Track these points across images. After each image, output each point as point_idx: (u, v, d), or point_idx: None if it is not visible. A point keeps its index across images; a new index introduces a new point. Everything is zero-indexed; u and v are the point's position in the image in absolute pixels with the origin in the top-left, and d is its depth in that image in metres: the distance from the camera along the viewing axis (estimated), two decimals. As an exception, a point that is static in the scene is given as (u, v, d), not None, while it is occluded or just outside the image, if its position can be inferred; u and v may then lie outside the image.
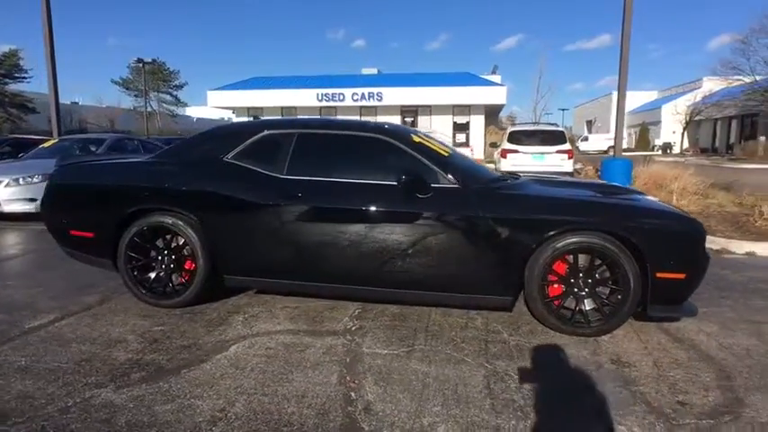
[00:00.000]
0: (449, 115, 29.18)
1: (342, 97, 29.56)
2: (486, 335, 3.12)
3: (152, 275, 3.55)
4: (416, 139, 3.45)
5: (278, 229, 3.30)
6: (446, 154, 3.46)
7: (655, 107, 39.52)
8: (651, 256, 2.95)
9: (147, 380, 2.49)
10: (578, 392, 2.42)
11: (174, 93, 51.37)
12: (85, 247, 3.65)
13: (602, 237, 3.00)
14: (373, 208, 3.20)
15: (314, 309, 3.54)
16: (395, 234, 3.19)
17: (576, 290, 3.13)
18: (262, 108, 31.58)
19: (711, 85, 30.90)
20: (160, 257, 3.55)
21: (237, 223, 3.37)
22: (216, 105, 32.64)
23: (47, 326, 3.20)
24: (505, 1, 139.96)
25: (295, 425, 2.10)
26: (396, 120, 29.93)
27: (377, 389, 2.41)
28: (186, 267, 3.53)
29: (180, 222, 3.40)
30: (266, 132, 3.52)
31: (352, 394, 2.36)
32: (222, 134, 3.76)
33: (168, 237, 3.50)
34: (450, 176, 3.21)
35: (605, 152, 32.61)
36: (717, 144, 33.40)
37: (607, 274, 3.09)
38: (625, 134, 47.95)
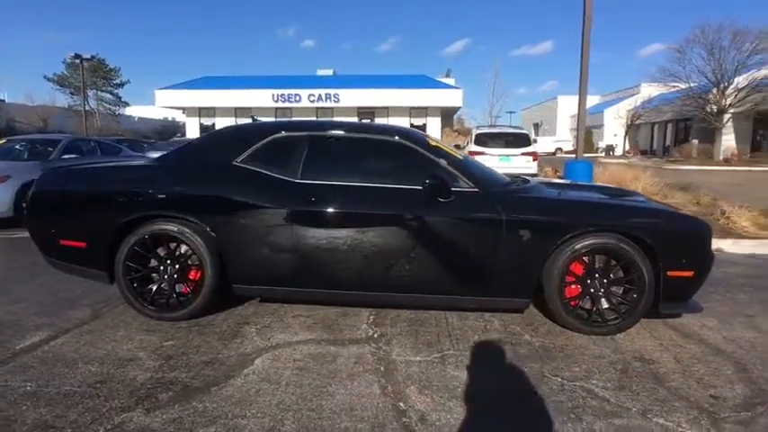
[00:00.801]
0: (406, 117, 29.43)
1: (298, 98, 29.19)
2: (509, 337, 3.14)
3: (154, 287, 3.32)
4: (432, 142, 3.43)
5: (293, 236, 3.18)
6: (461, 158, 3.46)
7: (598, 111, 41.56)
8: (663, 255, 3.08)
9: (176, 400, 2.32)
10: (619, 391, 2.47)
11: (115, 91, 48.74)
12: (76, 257, 3.37)
13: (618, 238, 3.10)
14: (393, 212, 3.15)
15: (326, 317, 3.44)
16: (415, 239, 3.15)
17: (592, 290, 3.21)
18: (214, 108, 30.63)
19: (650, 90, 32.87)
20: (162, 267, 3.33)
21: (249, 230, 3.21)
22: (165, 105, 31.32)
23: (41, 345, 2.92)
24: (453, 6, 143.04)
25: (355, 440, 2.03)
26: (352, 121, 29.92)
27: (424, 398, 2.37)
28: (190, 277, 3.33)
29: (186, 230, 3.21)
30: (277, 135, 3.38)
31: (401, 404, 2.31)
32: (230, 137, 3.58)
33: (172, 245, 3.29)
34: (468, 180, 3.22)
35: (553, 154, 33.95)
36: (655, 146, 35.60)
37: (621, 274, 3.19)
38: (570, 136, 50.20)
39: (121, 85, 49.17)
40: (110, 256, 3.29)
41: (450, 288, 3.23)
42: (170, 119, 46.70)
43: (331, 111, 29.87)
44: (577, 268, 3.19)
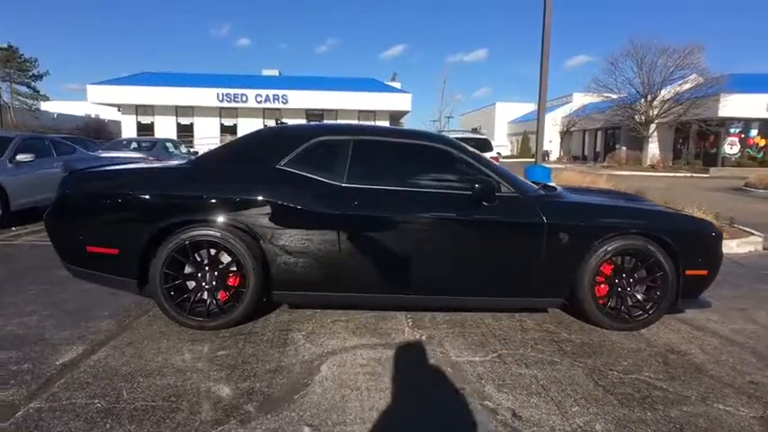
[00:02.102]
0: (354, 120, 29.46)
1: (245, 98, 28.45)
2: (549, 335, 3.31)
3: (193, 295, 3.18)
4: (470, 149, 3.54)
5: (339, 240, 3.17)
6: (497, 164, 3.60)
7: (534, 118, 43.79)
8: (683, 255, 3.38)
9: (266, 410, 2.26)
10: (671, 381, 2.70)
11: (32, 84, 44.70)
12: (106, 265, 3.15)
13: (645, 240, 3.36)
14: (440, 217, 3.24)
15: (366, 321, 3.45)
16: (461, 242, 3.26)
17: (619, 289, 3.45)
18: (153, 106, 29.13)
19: (582, 99, 35.14)
20: (200, 275, 3.20)
21: (294, 234, 3.17)
22: (98, 101, 29.39)
23: (82, 360, 2.72)
24: (390, 10, 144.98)
25: (466, 439, 2.08)
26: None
27: (506, 396, 2.46)
28: (229, 284, 3.23)
29: (230, 235, 3.10)
30: (320, 138, 3.35)
31: (488, 403, 2.39)
32: (271, 139, 3.49)
33: (213, 251, 3.17)
34: (509, 185, 3.36)
35: (495, 159, 35.29)
36: (586, 152, 38.05)
37: (645, 274, 3.46)
38: (507, 142, 52.27)
39: (39, 77, 45.24)
40: (142, 264, 3.12)
41: (492, 289, 3.36)
42: (93, 116, 43.28)
43: (278, 112, 29.29)
44: (607, 269, 3.42)
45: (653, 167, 25.61)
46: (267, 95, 28.31)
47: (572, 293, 3.40)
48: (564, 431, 2.17)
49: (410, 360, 2.85)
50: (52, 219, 3.19)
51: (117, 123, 34.52)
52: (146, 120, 29.81)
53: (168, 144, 13.37)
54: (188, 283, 3.20)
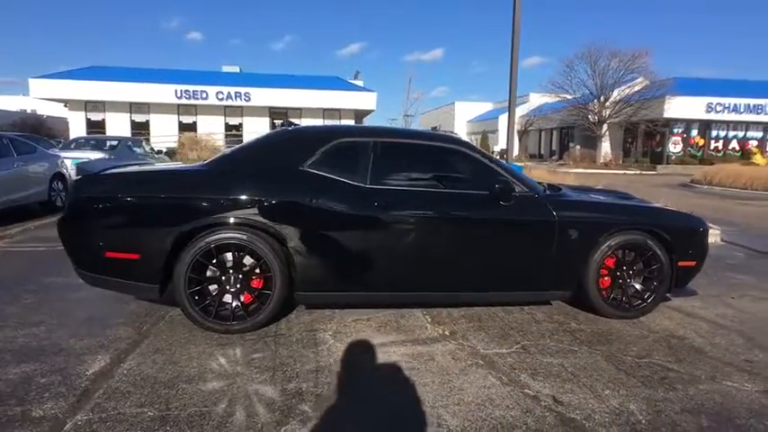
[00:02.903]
0: (319, 119, 29.26)
1: (205, 95, 27.62)
2: (561, 326, 3.51)
3: (217, 299, 3.16)
4: (483, 150, 3.69)
5: (363, 241, 3.25)
6: (508, 164, 3.77)
7: (493, 117, 44.92)
8: (677, 248, 3.66)
9: (322, 409, 2.31)
10: (680, 363, 2.93)
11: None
12: (126, 271, 3.08)
13: (644, 234, 3.62)
14: (461, 216, 3.37)
15: (385, 320, 3.53)
16: (480, 240, 3.40)
17: (620, 280, 3.70)
18: (104, 102, 27.79)
19: (538, 99, 36.36)
20: (225, 278, 3.18)
21: (319, 236, 3.22)
22: (42, 96, 27.68)
23: (113, 368, 2.66)
24: (347, 9, 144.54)
25: (520, 426, 2.21)
26: (265, 122, 29.05)
27: (542, 384, 2.62)
28: (254, 286, 3.23)
29: (256, 237, 3.11)
30: (342, 140, 3.40)
31: (528, 391, 2.54)
32: (292, 141, 3.50)
33: (238, 254, 3.16)
34: (521, 185, 3.53)
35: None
36: (542, 151, 39.44)
37: (642, 266, 3.72)
38: (467, 140, 53.31)
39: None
40: (164, 269, 3.08)
41: (510, 284, 3.53)
42: (30, 111, 40.42)
43: (240, 110, 28.73)
44: (610, 262, 3.66)
45: (606, 165, 26.91)
46: (229, 93, 27.59)
47: (579, 286, 3.61)
48: (604, 412, 2.34)
49: (441, 355, 2.96)
50: (67, 224, 3.09)
51: (59, 120, 32.65)
52: (96, 116, 28.39)
53: (131, 143, 12.85)
54: (212, 286, 3.18)
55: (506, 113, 39.11)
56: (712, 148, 28.77)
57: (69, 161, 9.69)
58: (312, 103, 28.15)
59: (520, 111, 40.69)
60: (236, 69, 33.24)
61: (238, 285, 3.19)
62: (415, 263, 3.33)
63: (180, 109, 28.47)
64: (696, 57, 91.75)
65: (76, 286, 4.03)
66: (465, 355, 2.98)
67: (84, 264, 3.13)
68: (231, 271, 3.18)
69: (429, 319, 3.56)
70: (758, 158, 26.68)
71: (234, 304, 3.18)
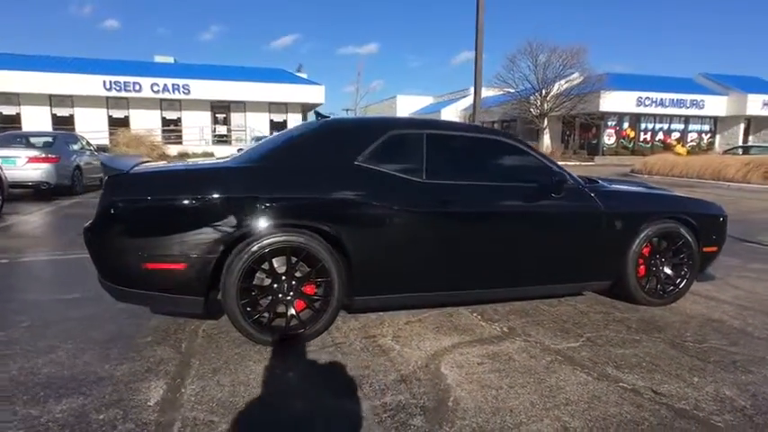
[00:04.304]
0: (265, 113, 28.36)
1: (138, 87, 25.84)
2: (608, 316, 3.54)
3: (271, 309, 2.88)
4: (528, 143, 3.63)
5: (423, 238, 3.10)
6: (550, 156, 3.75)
7: (434, 110, 45.61)
8: (703, 235, 3.81)
9: (436, 421, 2.15)
10: (734, 345, 3.03)
11: None
12: (168, 284, 2.72)
13: (677, 223, 3.73)
14: (518, 210, 3.31)
15: (436, 320, 3.39)
16: (537, 234, 3.36)
17: (654, 268, 3.79)
18: (18, 94, 25.20)
19: (484, 93, 37.31)
20: (277, 285, 2.90)
21: (379, 235, 3.02)
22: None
23: (177, 397, 2.32)
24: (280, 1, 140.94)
25: (642, 422, 2.17)
26: (206, 116, 27.63)
27: (631, 375, 2.60)
28: (309, 293, 2.98)
29: (313, 240, 2.86)
30: (394, 132, 3.20)
31: (624, 384, 2.51)
32: (341, 134, 3.24)
33: (294, 258, 2.89)
34: (570, 177, 3.51)
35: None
36: (483, 144, 40.57)
37: (672, 253, 3.83)
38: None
39: None
40: (210, 279, 2.76)
41: (560, 277, 3.51)
42: None
43: (178, 103, 27.16)
44: (646, 250, 3.74)
45: (547, 156, 28.17)
46: (165, 85, 25.95)
47: (618, 275, 3.66)
48: (707, 400, 2.36)
49: (516, 353, 2.88)
50: (97, 233, 2.67)
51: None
52: (9, 110, 25.70)
53: (70, 139, 11.69)
54: (264, 295, 2.89)
55: (448, 107, 40.02)
56: (642, 139, 30.99)
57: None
58: (257, 97, 27.18)
59: (461, 104, 41.71)
60: (170, 60, 31.32)
61: (292, 293, 2.93)
62: (476, 259, 3.23)
63: (110, 102, 26.46)
64: (625, 51, 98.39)
65: (70, 302, 3.63)
66: (539, 351, 2.91)
67: (118, 277, 2.73)
68: (284, 277, 2.90)
69: (479, 317, 3.46)
70: (679, 149, 29.08)
71: (289, 314, 2.91)
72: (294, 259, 2.89)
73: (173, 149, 24.51)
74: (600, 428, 2.11)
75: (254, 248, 2.76)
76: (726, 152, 21.60)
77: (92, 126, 25.19)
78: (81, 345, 2.90)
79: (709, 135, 32.30)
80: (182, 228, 2.70)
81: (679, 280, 3.81)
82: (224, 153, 24.20)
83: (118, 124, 26.26)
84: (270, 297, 2.89)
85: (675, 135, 31.42)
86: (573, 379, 2.56)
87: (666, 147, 29.80)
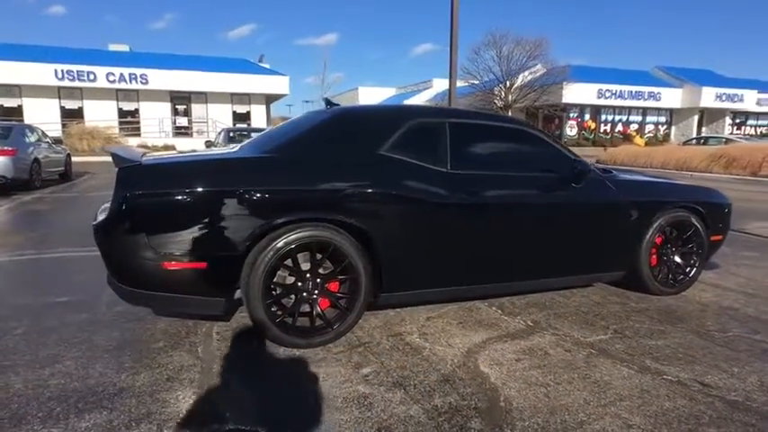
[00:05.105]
0: (228, 104, 27.45)
1: (93, 77, 24.45)
2: (626, 307, 3.54)
3: (296, 309, 2.69)
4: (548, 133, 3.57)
5: (450, 231, 2.98)
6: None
7: (398, 102, 45.51)
8: (711, 224, 3.87)
9: (495, 423, 2.04)
10: (756, 333, 3.07)
11: None
12: (188, 285, 2.49)
13: (687, 212, 3.76)
14: (541, 200, 3.24)
15: (457, 315, 3.29)
16: (561, 224, 3.30)
17: (665, 258, 3.82)
18: (-43, 84, 23.38)
19: (442, 84, 37.44)
20: (301, 283, 2.72)
21: (406, 228, 2.88)
22: None
23: (206, 407, 2.12)
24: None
25: (700, 416, 2.13)
26: (165, 107, 26.49)
27: (671, 368, 2.58)
28: (334, 291, 2.81)
29: (339, 234, 2.69)
30: (417, 120, 3.05)
31: (667, 377, 2.48)
32: (363, 122, 3.06)
33: (319, 255, 2.71)
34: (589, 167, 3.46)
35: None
36: (449, 136, 40.85)
37: (682, 242, 3.86)
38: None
39: None
40: (233, 278, 2.55)
41: (580, 267, 3.48)
42: None
43: (136, 93, 25.90)
44: (658, 239, 3.76)
45: (513, 148, 28.62)
46: (122, 74, 24.65)
47: (631, 265, 3.66)
48: (755, 391, 2.35)
49: (551, 347, 2.81)
50: (111, 232, 2.40)
51: None
52: (-52, 102, 23.90)
53: (26, 130, 10.87)
54: (289, 294, 2.70)
55: (411, 98, 39.79)
56: (602, 131, 31.97)
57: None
58: (219, 87, 26.23)
59: (424, 96, 41.74)
60: (125, 48, 29.79)
61: (317, 291, 2.75)
62: (502, 251, 3.14)
63: (62, 92, 24.96)
64: (586, 45, 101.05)
65: (61, 306, 3.35)
66: (572, 345, 2.86)
67: (134, 279, 2.47)
68: (309, 275, 2.72)
69: (500, 311, 3.38)
70: (638, 140, 30.16)
71: (314, 313, 2.73)
72: (319, 255, 2.71)
73: (131, 142, 23.41)
74: (662, 424, 2.06)
75: (280, 244, 2.56)
76: (685, 143, 22.53)
77: (42, 118, 23.61)
78: (88, 353, 2.63)
79: (665, 126, 33.67)
80: (204, 223, 2.46)
81: (689, 269, 3.86)
82: (186, 146, 23.35)
83: (71, 116, 24.84)
84: (294, 295, 2.70)
85: (634, 126, 32.60)
86: (616, 373, 2.51)
87: (626, 138, 30.87)
